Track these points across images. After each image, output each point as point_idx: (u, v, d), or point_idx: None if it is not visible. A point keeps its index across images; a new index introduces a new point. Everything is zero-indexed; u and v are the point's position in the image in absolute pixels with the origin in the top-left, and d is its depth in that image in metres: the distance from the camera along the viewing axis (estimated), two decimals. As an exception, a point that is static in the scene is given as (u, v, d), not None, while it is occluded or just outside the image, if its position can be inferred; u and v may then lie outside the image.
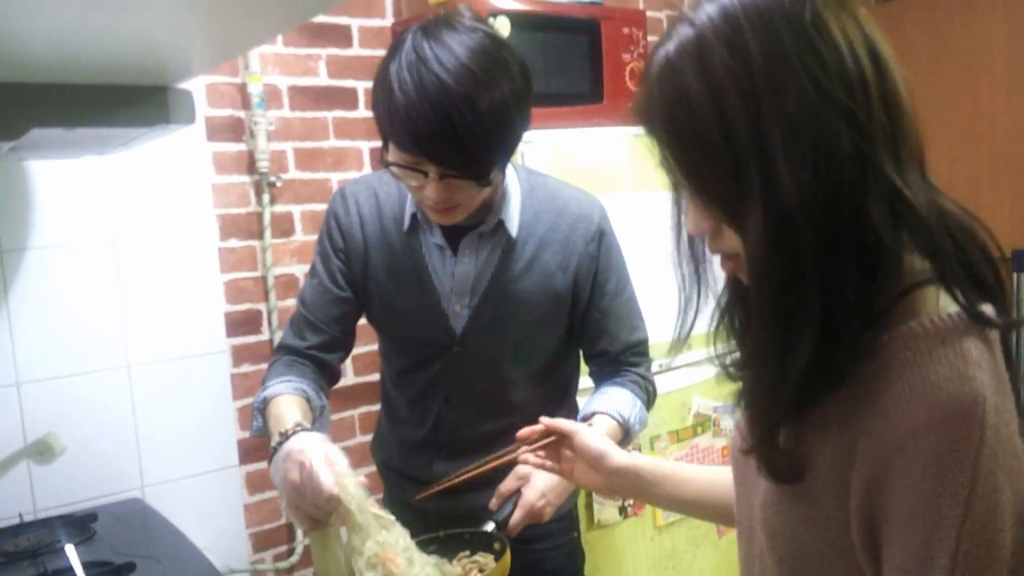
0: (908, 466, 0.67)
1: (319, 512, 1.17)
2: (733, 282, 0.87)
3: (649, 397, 1.60)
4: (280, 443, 1.24)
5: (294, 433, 1.23)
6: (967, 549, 0.65)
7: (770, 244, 0.72)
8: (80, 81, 0.88)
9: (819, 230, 0.70)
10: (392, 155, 1.30)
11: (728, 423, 2.37)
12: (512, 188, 1.48)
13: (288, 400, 1.38)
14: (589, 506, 2.12)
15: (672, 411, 2.27)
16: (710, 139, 0.72)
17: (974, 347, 0.68)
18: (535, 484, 1.38)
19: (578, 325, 1.54)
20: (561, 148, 2.15)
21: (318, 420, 1.45)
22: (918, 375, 0.68)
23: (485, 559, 1.32)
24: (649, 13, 2.69)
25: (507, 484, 1.40)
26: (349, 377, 2.42)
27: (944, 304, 0.72)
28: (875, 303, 0.72)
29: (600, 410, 1.49)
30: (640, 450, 2.21)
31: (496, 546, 1.31)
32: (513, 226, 1.46)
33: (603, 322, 1.54)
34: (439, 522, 1.40)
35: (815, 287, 0.71)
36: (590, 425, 1.44)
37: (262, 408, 1.41)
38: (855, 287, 0.71)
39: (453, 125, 1.20)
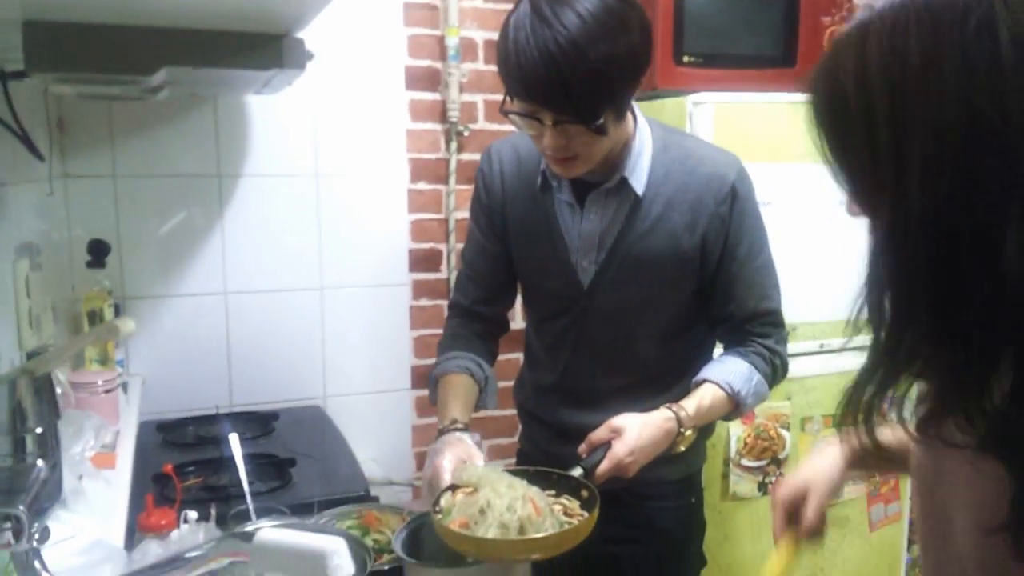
0: None
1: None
2: None
3: (775, 371, 1.56)
4: (438, 435, 1.41)
5: (448, 431, 1.41)
6: None
7: (889, 252, 0.71)
8: (207, 27, 1.03)
9: (940, 251, 0.68)
10: (511, 104, 1.36)
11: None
12: (644, 146, 1.49)
13: (455, 382, 1.53)
14: (726, 476, 2.11)
15: (828, 394, 2.18)
16: (855, 131, 0.72)
17: None
18: (626, 439, 1.40)
19: (707, 287, 1.53)
20: (736, 111, 2.10)
21: (484, 391, 1.58)
22: None
23: (571, 503, 1.34)
24: (867, -27, 2.52)
25: (599, 434, 1.43)
26: (518, 322, 2.54)
27: None
28: None
29: (711, 378, 1.49)
30: (788, 429, 2.15)
31: (584, 493, 1.33)
32: (640, 184, 1.47)
33: (731, 287, 1.51)
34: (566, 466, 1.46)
35: (928, 306, 0.70)
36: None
37: (435, 384, 1.58)
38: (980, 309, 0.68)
39: (560, 72, 1.24)
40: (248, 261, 2.30)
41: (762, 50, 2.27)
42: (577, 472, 1.38)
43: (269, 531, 0.88)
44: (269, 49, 1.11)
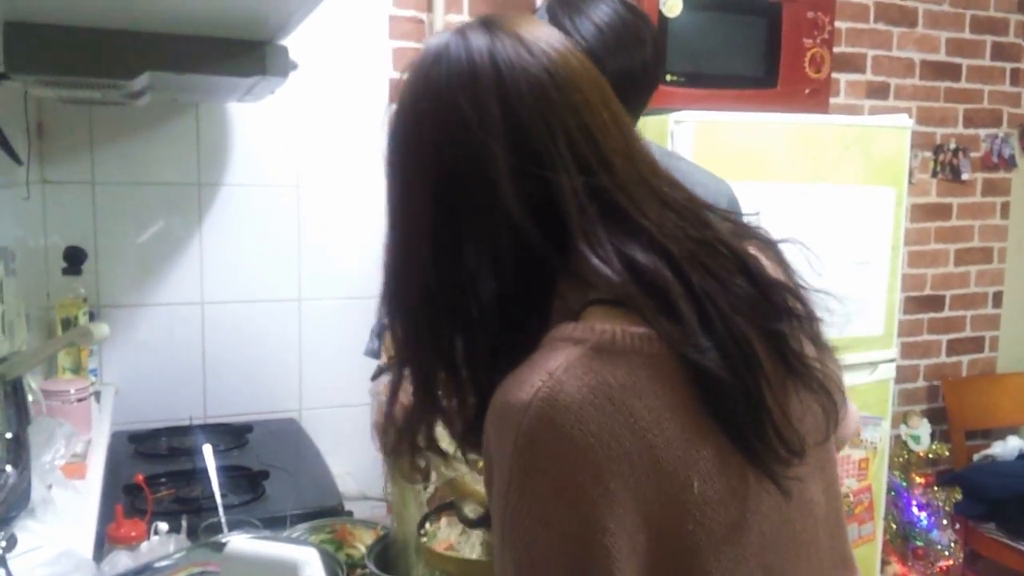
0: (486, 459, 0.71)
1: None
2: None
3: None
4: (388, 367, 1.36)
5: None
6: (514, 541, 0.66)
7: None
8: (190, 32, 1.03)
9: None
10: None
11: (872, 435, 2.25)
12: None
13: None
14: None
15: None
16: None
17: (563, 359, 0.67)
18: None
19: None
20: (717, 129, 2.12)
21: None
22: (508, 377, 0.70)
23: None
24: (847, -2, 2.56)
25: None
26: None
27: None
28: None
29: None
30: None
31: None
32: None
33: None
34: None
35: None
36: None
37: (380, 333, 1.54)
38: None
39: None
40: (226, 271, 2.28)
41: (744, 70, 2.29)
42: None
43: (241, 541, 0.87)
44: (252, 56, 1.10)
